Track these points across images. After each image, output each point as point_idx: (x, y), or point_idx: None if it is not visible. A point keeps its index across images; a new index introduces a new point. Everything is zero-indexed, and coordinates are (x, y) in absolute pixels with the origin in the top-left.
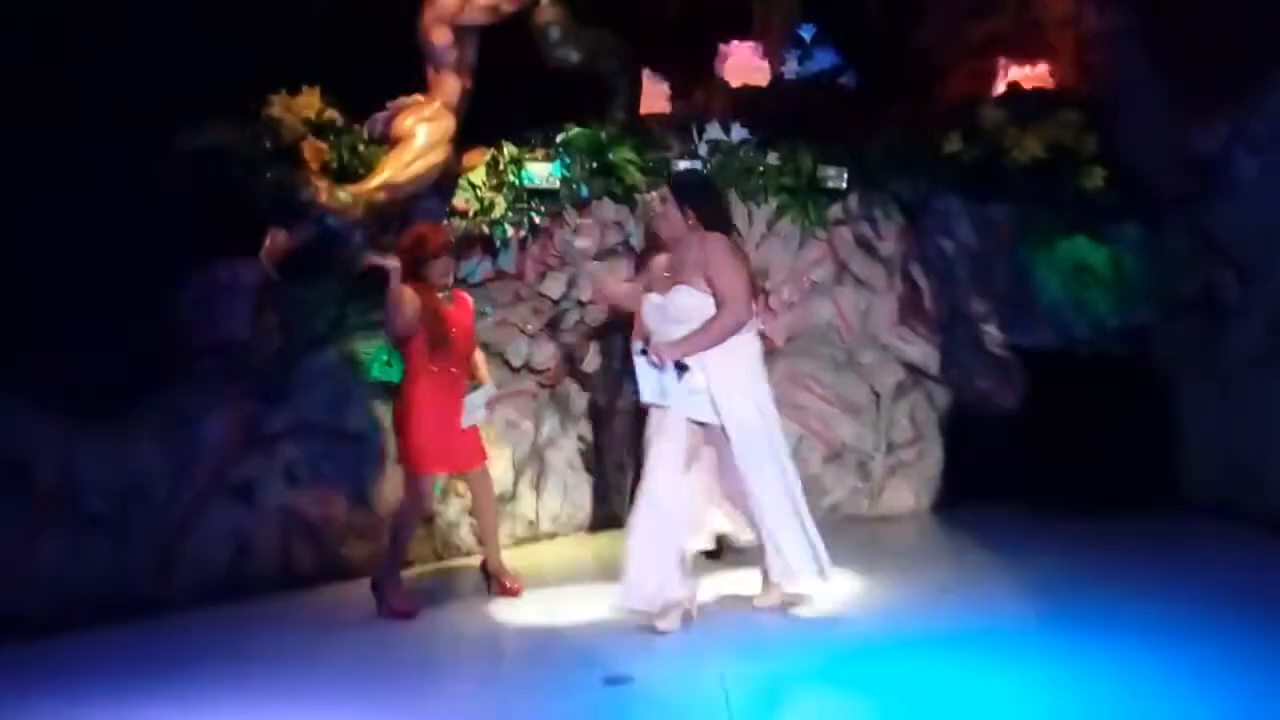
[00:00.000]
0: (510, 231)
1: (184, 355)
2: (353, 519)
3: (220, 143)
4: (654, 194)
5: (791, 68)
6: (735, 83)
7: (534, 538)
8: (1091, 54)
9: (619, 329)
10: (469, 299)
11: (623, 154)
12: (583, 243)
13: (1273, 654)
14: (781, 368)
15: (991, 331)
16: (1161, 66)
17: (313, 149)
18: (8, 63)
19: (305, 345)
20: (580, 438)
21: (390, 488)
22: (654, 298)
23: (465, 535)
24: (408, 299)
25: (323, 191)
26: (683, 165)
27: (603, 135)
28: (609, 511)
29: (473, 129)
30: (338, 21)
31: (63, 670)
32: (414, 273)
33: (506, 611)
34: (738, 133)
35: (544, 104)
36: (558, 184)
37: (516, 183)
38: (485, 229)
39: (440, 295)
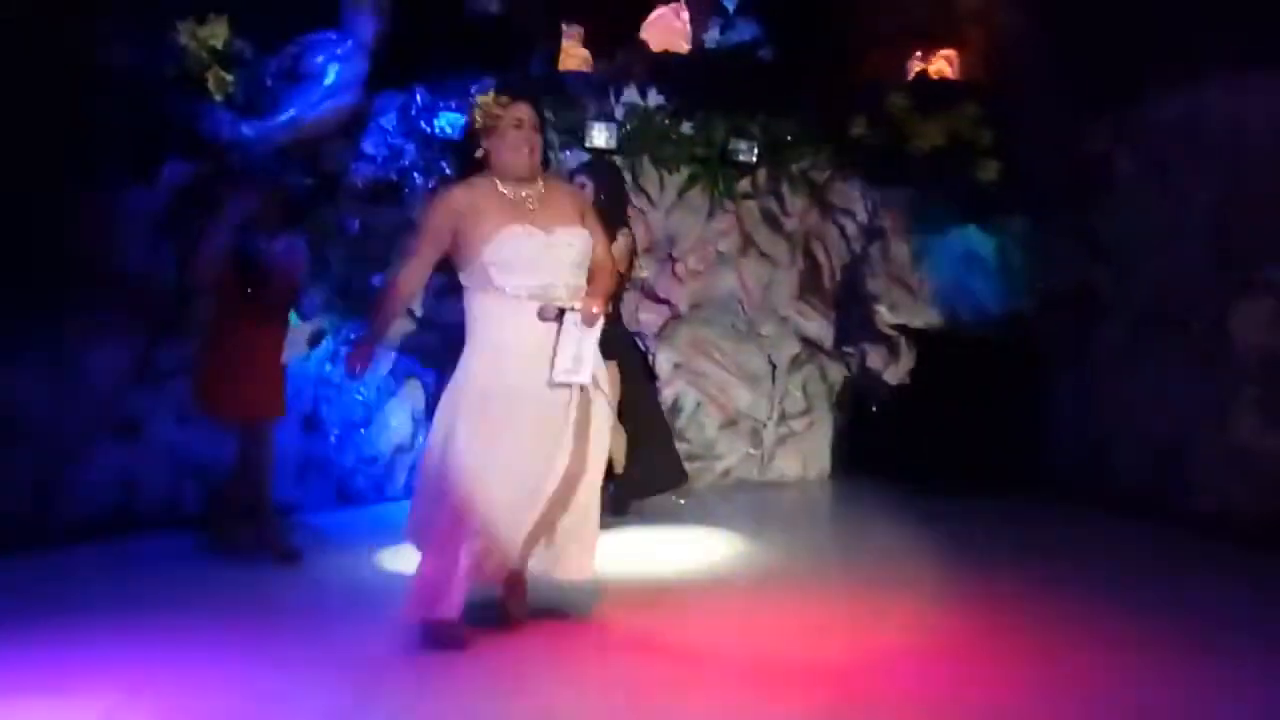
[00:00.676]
0: (418, 180)
1: (76, 284)
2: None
3: (124, 64)
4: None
5: (713, 36)
6: (656, 46)
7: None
8: (998, 49)
9: None
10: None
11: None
12: None
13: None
14: (685, 334)
15: (883, 311)
16: (1056, 67)
17: (218, 80)
18: None
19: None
20: None
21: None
22: (535, 230)
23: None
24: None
25: (224, 125)
26: (597, 126)
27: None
28: None
29: (385, 74)
30: None
31: None
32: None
33: (397, 559)
34: (654, 98)
35: (460, 53)
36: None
37: (428, 131)
38: (395, 176)
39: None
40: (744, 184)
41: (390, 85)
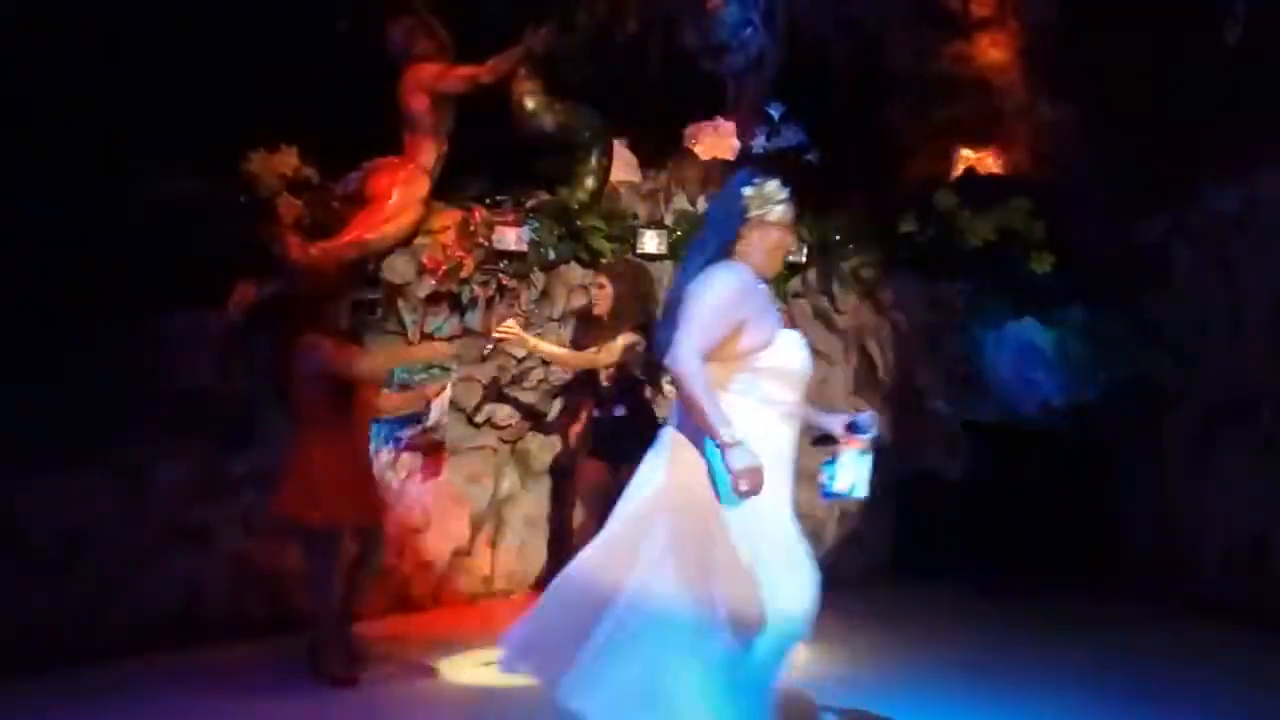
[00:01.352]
0: (477, 291)
1: (145, 401)
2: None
3: (197, 193)
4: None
5: (760, 143)
6: (704, 156)
7: (489, 594)
8: (1044, 143)
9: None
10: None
11: (590, 220)
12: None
13: None
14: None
15: (940, 405)
16: (1108, 159)
17: (287, 205)
18: None
19: (269, 393)
20: (539, 495)
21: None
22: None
23: (418, 589)
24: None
25: (294, 247)
26: (648, 234)
27: (573, 202)
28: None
29: (445, 190)
30: (319, 81)
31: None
32: (315, 315)
33: (454, 671)
34: (703, 205)
35: (516, 169)
36: (526, 247)
37: (486, 244)
38: (454, 288)
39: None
40: (795, 283)
41: (450, 202)
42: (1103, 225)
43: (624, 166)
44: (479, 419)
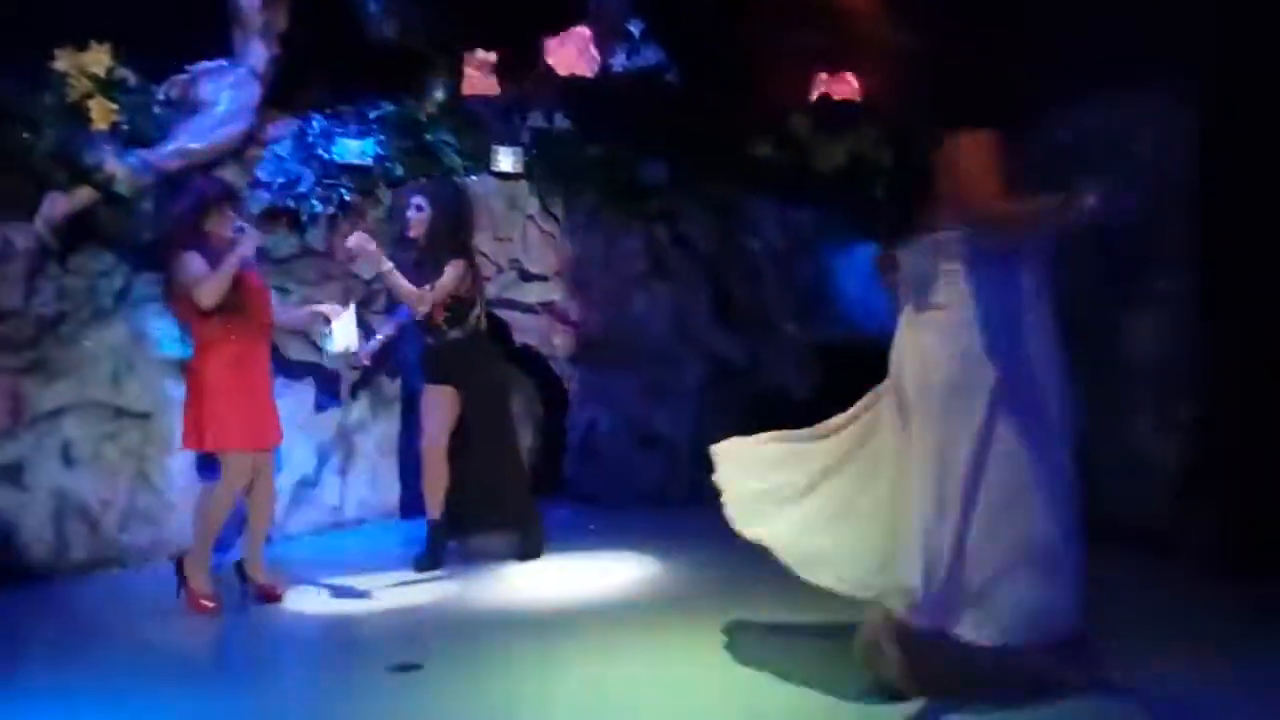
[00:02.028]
0: (317, 207)
1: None
2: (135, 503)
3: None
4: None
5: (619, 61)
6: (562, 72)
7: (338, 524)
8: (895, 70)
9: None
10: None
11: (440, 135)
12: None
13: None
14: (598, 357)
15: (791, 328)
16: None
17: (101, 108)
18: None
19: (86, 318)
20: (391, 422)
21: (179, 470)
22: None
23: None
24: (195, 264)
25: (109, 154)
26: (503, 151)
27: (420, 115)
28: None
29: (280, 98)
30: None
31: None
32: (198, 233)
33: (299, 602)
34: (560, 122)
35: (358, 77)
36: (370, 161)
37: (326, 157)
38: (291, 203)
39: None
40: (652, 206)
41: (286, 111)
42: None
43: (477, 80)
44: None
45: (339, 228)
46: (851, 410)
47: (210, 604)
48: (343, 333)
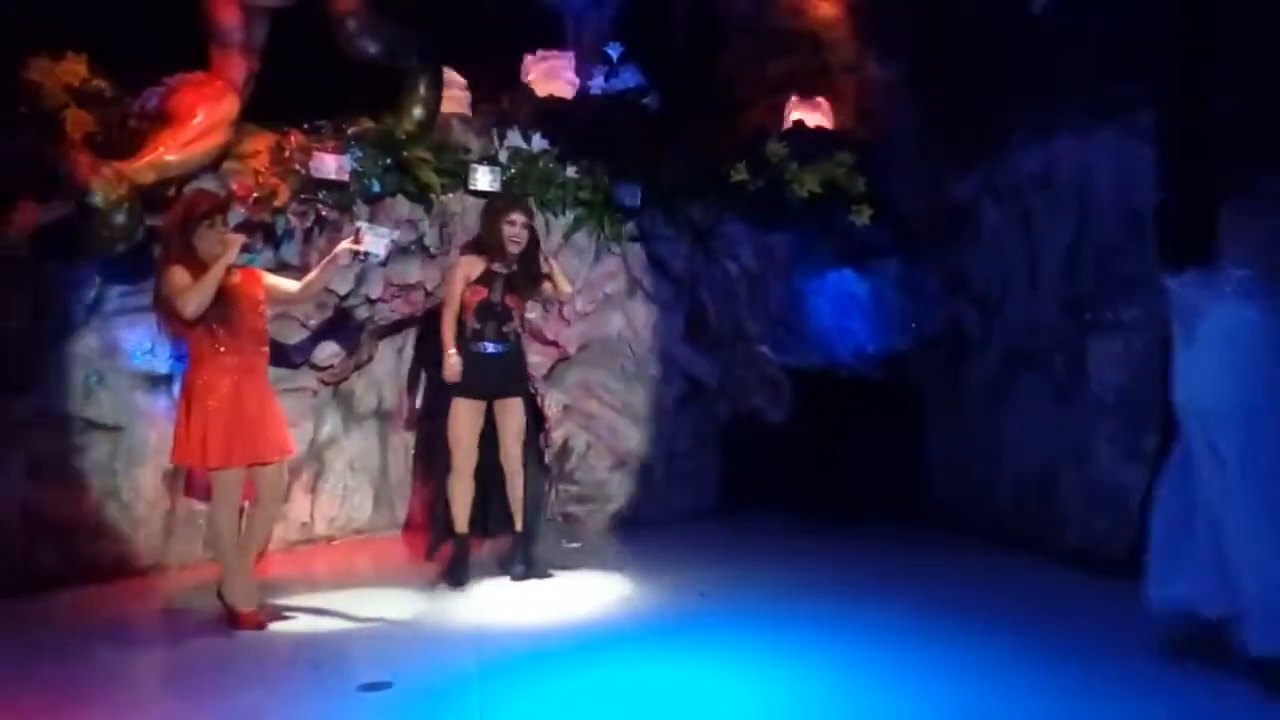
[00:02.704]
0: (294, 221)
1: None
2: (104, 518)
3: None
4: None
5: (597, 83)
6: (541, 92)
7: (308, 540)
8: (868, 100)
9: (412, 327)
10: (256, 269)
11: (418, 152)
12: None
13: (973, 654)
14: (573, 376)
15: (765, 351)
16: (925, 119)
17: (76, 119)
18: None
19: (56, 328)
20: (363, 439)
21: (150, 484)
22: None
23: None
24: (179, 277)
25: (84, 166)
26: (480, 170)
27: (399, 131)
28: (391, 516)
29: (258, 113)
30: None
31: None
32: (185, 247)
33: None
34: (538, 142)
35: (337, 94)
36: (347, 176)
37: (303, 172)
38: (267, 218)
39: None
40: (630, 227)
41: (262, 125)
42: (917, 182)
43: (456, 99)
44: (297, 359)
45: (315, 242)
46: None
47: (256, 619)
48: (374, 243)
